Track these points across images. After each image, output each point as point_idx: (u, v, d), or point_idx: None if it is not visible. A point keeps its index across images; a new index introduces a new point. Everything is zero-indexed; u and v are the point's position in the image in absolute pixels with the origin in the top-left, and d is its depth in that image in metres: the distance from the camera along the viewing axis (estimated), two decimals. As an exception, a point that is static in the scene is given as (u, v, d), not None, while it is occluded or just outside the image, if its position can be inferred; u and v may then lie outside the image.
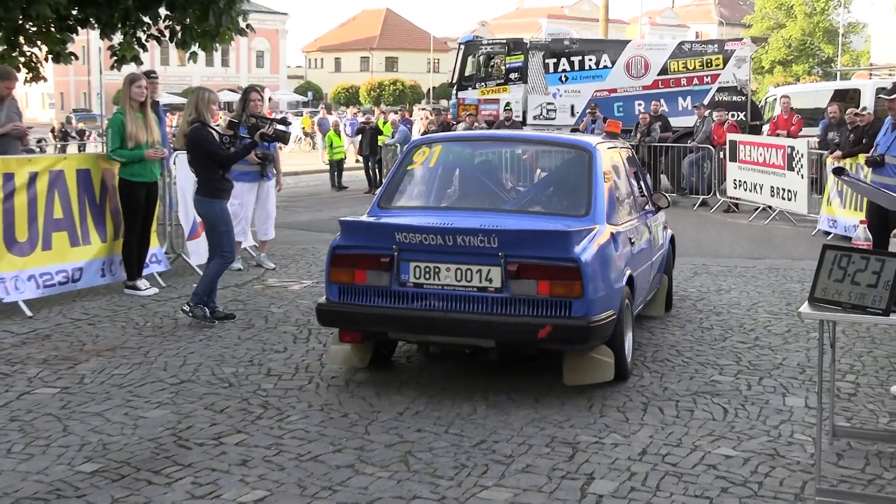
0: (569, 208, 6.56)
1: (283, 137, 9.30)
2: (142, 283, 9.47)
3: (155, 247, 10.03)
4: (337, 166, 24.04)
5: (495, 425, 5.49)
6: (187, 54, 14.40)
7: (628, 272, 6.47)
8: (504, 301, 5.82)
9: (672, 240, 9.12)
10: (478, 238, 5.80)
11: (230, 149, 8.18)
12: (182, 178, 10.45)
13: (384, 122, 25.03)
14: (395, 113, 27.27)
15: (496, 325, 5.83)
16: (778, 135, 17.98)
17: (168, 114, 49.12)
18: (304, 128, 43.27)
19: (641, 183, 8.17)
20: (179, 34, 14.40)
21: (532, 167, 7.76)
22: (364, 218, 6.61)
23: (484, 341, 5.99)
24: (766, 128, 22.39)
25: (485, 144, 7.85)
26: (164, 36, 14.83)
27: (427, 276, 5.95)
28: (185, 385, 6.27)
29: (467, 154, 7.50)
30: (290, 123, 10.32)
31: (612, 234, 6.34)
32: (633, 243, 6.80)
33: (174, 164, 10.75)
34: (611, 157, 7.20)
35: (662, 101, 22.01)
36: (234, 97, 64.56)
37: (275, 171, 10.97)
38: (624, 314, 6.32)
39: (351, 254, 6.11)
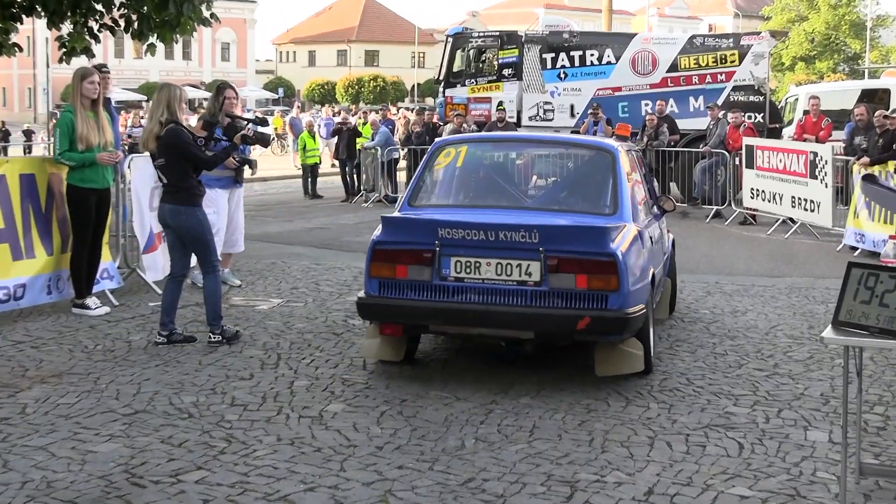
0: (597, 207, 7.50)
1: (265, 140, 9.34)
2: (92, 301, 9.44)
3: (107, 261, 10.01)
4: (311, 171, 24.04)
5: (485, 462, 5.49)
6: (144, 46, 14.42)
7: (651, 269, 7.36)
8: (543, 294, 6.69)
9: (673, 243, 9.89)
10: (519, 234, 6.68)
11: (206, 152, 8.22)
12: (138, 184, 10.44)
13: (363, 123, 25.00)
14: (376, 112, 27.24)
15: (535, 317, 6.70)
16: (805, 139, 18.00)
17: (123, 112, 49.10)
18: (276, 129, 43.20)
19: (649, 186, 9.02)
20: (136, 24, 14.40)
21: (557, 167, 8.69)
22: (406, 214, 7.43)
23: (523, 333, 6.89)
24: (786, 131, 22.53)
25: (509, 145, 9.20)
26: (119, 26, 14.83)
27: (468, 270, 6.80)
28: (140, 416, 6.24)
29: (493, 154, 8.57)
30: (268, 124, 10.38)
31: (638, 231, 7.25)
32: (653, 242, 7.73)
33: (129, 168, 10.75)
34: (629, 158, 8.14)
35: (672, 100, 22.12)
36: (198, 94, 64.68)
37: (242, 177, 10.99)
38: (649, 308, 7.16)
39: (392, 249, 6.93)
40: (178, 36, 14.71)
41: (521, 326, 6.80)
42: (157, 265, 10.59)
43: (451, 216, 7.18)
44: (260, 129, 9.12)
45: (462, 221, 6.84)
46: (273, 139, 43.16)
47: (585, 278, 6.64)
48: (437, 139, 9.89)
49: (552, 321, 6.69)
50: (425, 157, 8.18)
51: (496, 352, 7.82)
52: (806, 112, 19.98)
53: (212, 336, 8.22)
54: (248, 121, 9.25)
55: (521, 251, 6.69)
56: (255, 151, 16.37)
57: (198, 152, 8.18)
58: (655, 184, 19.11)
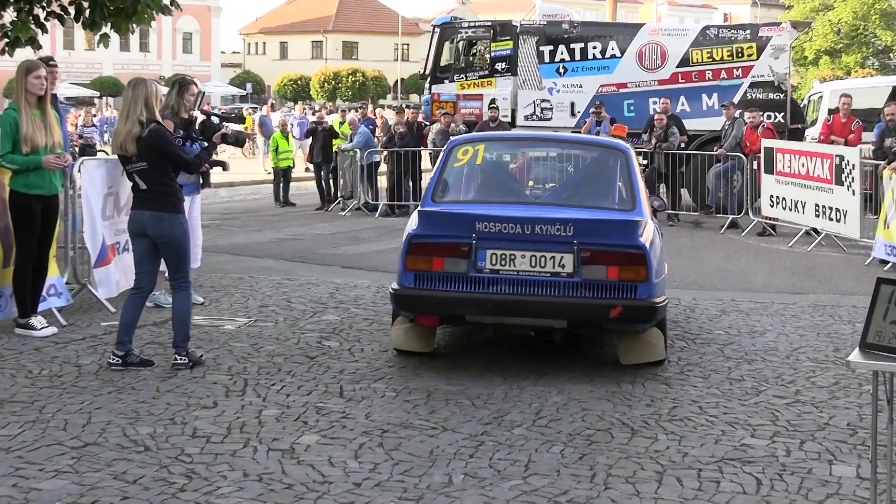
0: (616, 203, 8.63)
1: (241, 140, 9.37)
2: (37, 321, 9.41)
3: (54, 276, 9.98)
4: (283, 176, 24.03)
5: (475, 500, 5.49)
6: (97, 37, 14.40)
7: (665, 263, 8.50)
8: (576, 285, 7.80)
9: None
10: (555, 227, 7.78)
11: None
12: (89, 190, 10.40)
13: (341, 122, 24.96)
14: (356, 111, 27.13)
15: (569, 307, 7.83)
16: (833, 142, 18.02)
17: (73, 109, 49.03)
18: (246, 128, 43.07)
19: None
20: (87, 12, 14.40)
21: (573, 165, 9.84)
22: (442, 209, 8.37)
23: (557, 322, 8.06)
24: (809, 132, 22.60)
25: (525, 144, 10.89)
26: (69, 14, 14.81)
27: (503, 262, 7.86)
28: (90, 449, 6.22)
29: (511, 152, 10.27)
30: (244, 121, 10.43)
31: (655, 227, 8.47)
32: (661, 238, 8.74)
33: (79, 172, 10.71)
34: (636, 157, 9.26)
35: (683, 98, 22.19)
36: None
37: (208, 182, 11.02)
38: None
39: (429, 242, 7.96)
40: (134, 26, 14.71)
41: (555, 315, 7.94)
42: (110, 280, 10.56)
43: (488, 210, 8.15)
44: (235, 126, 9.16)
45: (500, 215, 7.92)
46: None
47: (616, 270, 7.77)
48: (452, 138, 11.21)
49: (585, 310, 7.86)
50: (443, 154, 9.18)
51: (526, 341, 9.02)
52: (833, 111, 19.91)
53: (178, 358, 8.21)
54: (224, 118, 9.27)
55: (556, 244, 7.79)
56: (224, 153, 16.39)
57: (183, 154, 8.33)
58: (667, 194, 19.39)
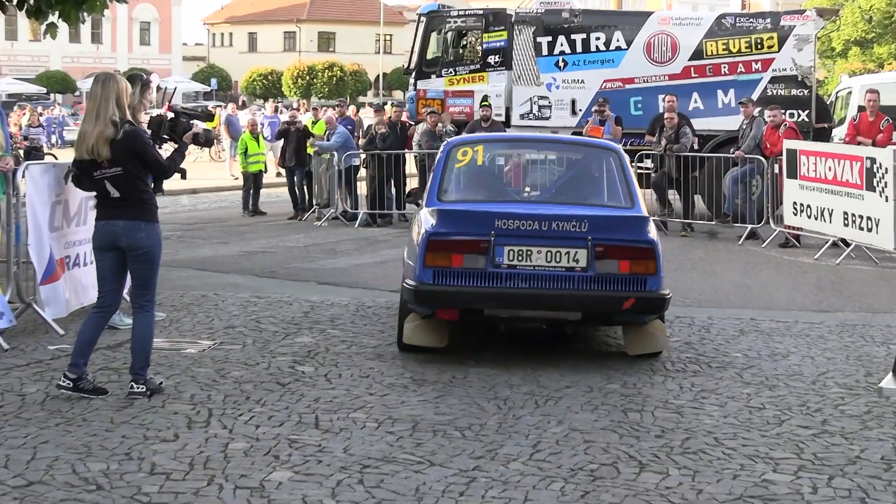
0: (618, 201, 9.94)
1: (210, 139, 9.40)
2: (-24, 344, 9.39)
3: (-5, 294, 9.96)
4: (253, 181, 24.00)
5: (466, 543, 5.48)
6: (43, 27, 14.37)
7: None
8: (590, 279, 9.05)
9: None
10: (570, 223, 9.05)
11: None
12: (34, 198, 10.37)
13: (313, 122, 24.81)
14: (337, 107, 26.97)
15: (584, 299, 9.15)
16: (860, 143, 18.06)
17: (16, 108, 48.96)
18: (214, 128, 43.05)
19: None
20: (32, -1, 14.40)
21: (571, 166, 11.09)
22: (459, 207, 9.63)
23: (571, 314, 9.38)
24: (837, 131, 22.65)
25: (522, 145, 12.33)
26: (11, 2, 14.79)
27: (520, 258, 9.05)
28: (35, 488, 6.20)
29: (508, 153, 11.76)
30: (213, 119, 10.43)
31: (653, 223, 9.80)
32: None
33: (23, 178, 10.69)
34: (627, 157, 10.65)
35: (696, 95, 22.24)
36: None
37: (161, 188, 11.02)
38: None
39: (448, 240, 9.09)
40: (85, 14, 14.71)
41: (570, 308, 9.26)
42: (58, 299, 10.54)
43: (505, 209, 9.42)
44: (202, 124, 9.17)
45: (517, 213, 9.18)
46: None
47: (628, 264, 9.08)
48: (447, 139, 12.32)
49: (599, 302, 9.18)
50: (441, 154, 10.43)
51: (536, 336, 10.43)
52: (862, 109, 19.94)
53: (134, 386, 8.19)
54: (193, 116, 9.27)
55: (570, 239, 9.04)
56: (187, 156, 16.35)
57: (161, 157, 8.36)
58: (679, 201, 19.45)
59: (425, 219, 9.47)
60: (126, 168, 8.12)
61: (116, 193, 8.18)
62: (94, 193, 8.42)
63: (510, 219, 9.07)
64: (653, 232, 9.36)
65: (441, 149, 10.69)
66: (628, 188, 9.99)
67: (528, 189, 10.82)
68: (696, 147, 20.54)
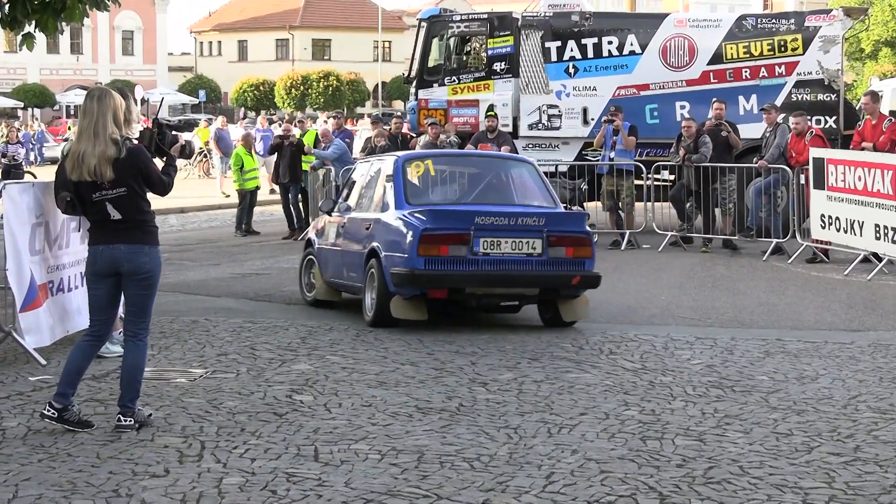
0: (546, 201, 13.24)
1: (190, 151, 9.44)
2: (-47, 375, 9.41)
3: (-27, 322, 9.98)
4: (249, 199, 23.96)
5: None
6: (19, 38, 14.40)
7: None
8: (545, 262, 12.20)
9: None
10: (532, 219, 12.23)
11: None
12: (13, 220, 10.38)
13: (302, 134, 24.43)
14: (336, 118, 26.77)
15: (541, 278, 12.29)
16: (863, 148, 18.00)
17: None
18: (204, 144, 42.81)
19: None
20: (7, 7, 14.42)
21: (503, 175, 14.00)
22: (443, 207, 12.67)
23: (530, 290, 12.53)
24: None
25: (460, 160, 15.30)
26: (-13, 12, 14.85)
27: (493, 247, 12.06)
28: (18, 527, 6.22)
29: (451, 166, 14.13)
30: (191, 129, 10.48)
31: None
32: None
33: (0, 198, 10.71)
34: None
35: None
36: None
37: None
38: None
39: (437, 234, 11.99)
40: (63, 24, 14.75)
41: (530, 285, 12.41)
42: (40, 327, 10.54)
43: (482, 208, 12.52)
44: (185, 136, 9.23)
45: (492, 211, 12.28)
46: (201, 156, 42.78)
47: (572, 250, 12.33)
48: (399, 154, 14.55)
49: (553, 280, 12.35)
50: (395, 169, 13.12)
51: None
52: (893, 113, 19.82)
53: (122, 419, 8.17)
54: (173, 128, 9.32)
55: (530, 232, 12.13)
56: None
57: (163, 176, 8.41)
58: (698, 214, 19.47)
59: (404, 218, 12.32)
60: (130, 188, 8.13)
61: (118, 215, 8.17)
62: (85, 216, 8.45)
63: (486, 216, 12.09)
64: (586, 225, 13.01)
65: (393, 163, 13.32)
66: (549, 192, 13.47)
67: (481, 189, 13.61)
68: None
